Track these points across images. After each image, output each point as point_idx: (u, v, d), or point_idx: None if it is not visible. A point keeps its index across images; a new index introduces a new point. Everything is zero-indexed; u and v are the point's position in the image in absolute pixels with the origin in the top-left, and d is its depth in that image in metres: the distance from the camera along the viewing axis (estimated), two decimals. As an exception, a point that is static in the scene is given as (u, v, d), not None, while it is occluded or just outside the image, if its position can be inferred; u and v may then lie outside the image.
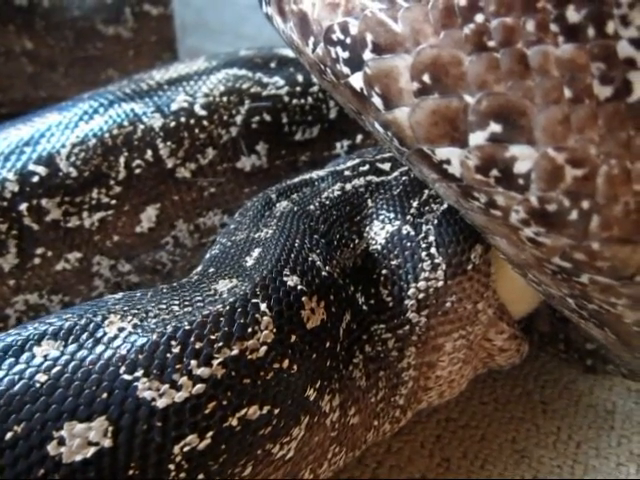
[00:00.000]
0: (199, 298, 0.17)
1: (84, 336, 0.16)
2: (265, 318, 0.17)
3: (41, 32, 0.43)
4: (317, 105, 0.31)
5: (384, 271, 0.21)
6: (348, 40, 0.16)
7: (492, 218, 0.16)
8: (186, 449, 0.15)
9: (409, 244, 0.22)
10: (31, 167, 0.27)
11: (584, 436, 0.27)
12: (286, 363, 0.17)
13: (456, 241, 0.21)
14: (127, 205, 0.28)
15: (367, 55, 0.15)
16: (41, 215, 0.27)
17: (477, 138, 0.15)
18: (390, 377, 0.21)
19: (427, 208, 0.22)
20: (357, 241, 0.22)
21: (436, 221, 0.22)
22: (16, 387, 0.15)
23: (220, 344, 0.16)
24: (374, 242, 0.22)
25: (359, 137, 0.31)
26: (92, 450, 0.14)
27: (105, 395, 0.15)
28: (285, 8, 0.17)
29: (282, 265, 0.18)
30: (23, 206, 0.27)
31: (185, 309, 0.17)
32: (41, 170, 0.27)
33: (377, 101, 0.16)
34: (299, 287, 0.18)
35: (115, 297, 0.18)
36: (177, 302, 0.17)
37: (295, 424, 0.17)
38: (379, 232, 0.22)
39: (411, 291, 0.21)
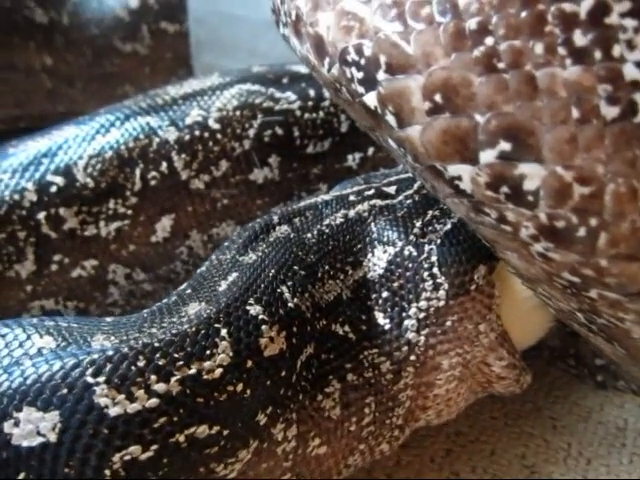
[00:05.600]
0: (174, 320, 0.19)
1: (71, 340, 0.17)
2: (224, 342, 0.18)
3: (61, 49, 0.44)
4: (328, 119, 0.31)
5: (385, 294, 0.22)
6: (362, 61, 0.16)
7: (502, 233, 0.16)
8: (126, 458, 0.16)
9: (411, 265, 0.22)
10: (49, 177, 0.28)
11: (595, 453, 0.26)
12: (240, 387, 0.17)
13: (459, 261, 0.22)
14: (142, 215, 0.29)
15: (381, 75, 0.16)
16: (58, 224, 0.27)
17: (487, 156, 0.15)
18: (382, 401, 0.21)
19: (430, 228, 0.23)
20: (350, 272, 0.22)
21: (439, 241, 0.22)
22: (7, 366, 0.16)
23: (181, 363, 0.17)
24: (375, 267, 0.22)
25: (370, 150, 0.32)
26: (38, 440, 0.15)
27: (65, 391, 0.16)
28: (302, 30, 0.18)
29: (249, 294, 0.19)
30: (41, 215, 0.27)
31: (161, 330, 0.18)
32: (59, 180, 0.28)
33: (390, 119, 0.16)
34: (260, 316, 0.19)
35: (107, 320, 0.20)
36: (156, 325, 0.19)
37: (243, 447, 0.17)
38: (381, 256, 0.22)
39: (412, 311, 0.21)
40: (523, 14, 0.14)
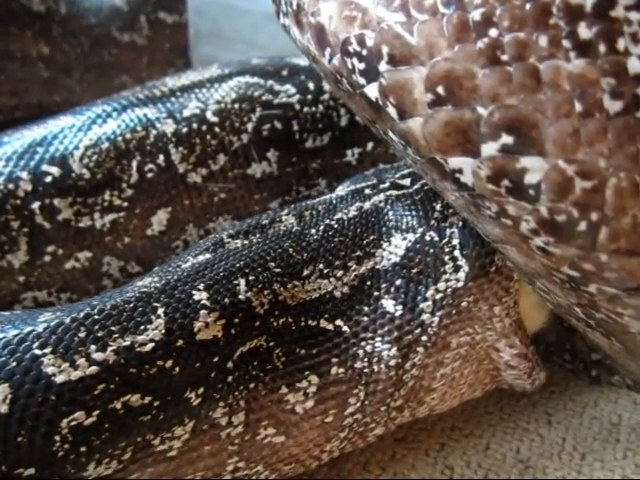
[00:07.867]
0: (122, 293, 0.20)
1: (19, 321, 0.18)
2: (159, 320, 0.19)
3: (58, 38, 0.44)
4: (328, 113, 0.31)
5: (398, 281, 0.21)
6: (364, 52, 0.16)
7: (503, 227, 0.16)
8: (73, 424, 0.17)
9: (432, 250, 0.22)
10: (44, 167, 0.27)
11: (589, 448, 0.26)
12: (170, 363, 0.18)
13: (481, 243, 0.21)
14: (138, 208, 0.28)
15: (383, 67, 0.16)
16: (53, 214, 0.27)
17: (489, 149, 0.15)
18: (377, 389, 0.21)
19: (451, 210, 0.22)
20: (353, 267, 0.22)
21: (461, 223, 0.22)
22: None
23: (117, 335, 0.18)
24: (391, 255, 0.22)
25: (370, 145, 0.32)
26: None
27: (14, 364, 0.17)
28: (303, 20, 0.18)
29: (201, 279, 0.20)
30: (35, 205, 0.27)
31: (103, 303, 0.19)
32: (54, 170, 0.27)
33: (392, 111, 0.16)
34: (202, 302, 0.19)
35: (57, 307, 0.20)
36: (105, 299, 0.19)
37: (178, 424, 0.18)
38: (399, 243, 0.22)
39: (429, 293, 0.21)
40: (528, 6, 0.14)
